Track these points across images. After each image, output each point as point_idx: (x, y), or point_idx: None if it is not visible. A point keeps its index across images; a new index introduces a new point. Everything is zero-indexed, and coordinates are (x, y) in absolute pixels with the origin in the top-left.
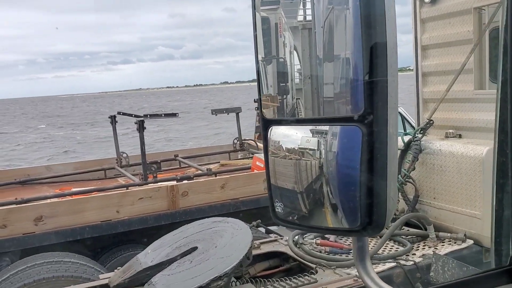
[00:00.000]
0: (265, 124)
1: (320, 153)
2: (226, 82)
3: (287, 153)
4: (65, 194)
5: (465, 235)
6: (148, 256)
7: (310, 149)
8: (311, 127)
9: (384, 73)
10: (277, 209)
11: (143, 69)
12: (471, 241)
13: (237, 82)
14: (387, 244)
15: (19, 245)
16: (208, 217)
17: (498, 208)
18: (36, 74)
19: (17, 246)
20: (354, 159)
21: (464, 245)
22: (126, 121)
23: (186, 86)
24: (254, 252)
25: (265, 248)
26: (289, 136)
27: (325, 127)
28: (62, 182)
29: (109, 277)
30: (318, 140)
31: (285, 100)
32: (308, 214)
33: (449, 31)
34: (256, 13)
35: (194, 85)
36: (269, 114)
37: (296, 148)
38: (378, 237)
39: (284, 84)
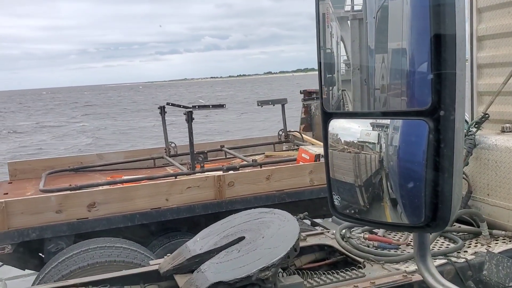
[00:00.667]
0: (326, 117)
1: (381, 147)
2: (269, 72)
3: (345, 146)
4: (116, 181)
5: None
6: (197, 244)
7: (370, 143)
8: (371, 120)
9: (453, 66)
10: (336, 202)
11: (189, 59)
12: None
13: (280, 72)
14: (438, 240)
15: (74, 230)
16: (253, 207)
17: None
18: (87, 63)
19: (71, 230)
20: (418, 154)
21: None
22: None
23: (229, 76)
24: (301, 244)
25: (312, 241)
26: (348, 129)
27: (387, 121)
28: (113, 170)
29: (159, 263)
30: (379, 134)
31: (331, 91)
32: (366, 208)
33: (508, 21)
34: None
35: (237, 76)
36: (329, 107)
37: (355, 142)
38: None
39: (330, 75)
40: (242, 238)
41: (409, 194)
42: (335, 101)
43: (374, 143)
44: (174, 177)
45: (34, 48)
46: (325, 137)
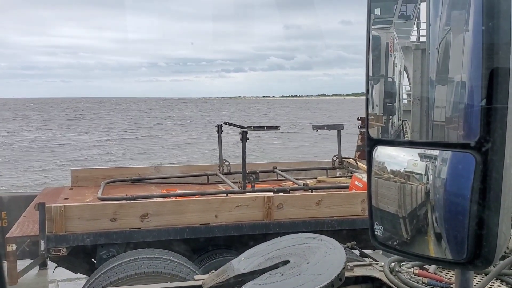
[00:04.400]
0: (371, 143)
1: (428, 179)
2: (323, 94)
3: (391, 175)
4: (170, 195)
5: None
6: (241, 263)
7: (417, 173)
8: (419, 150)
9: (505, 100)
10: (377, 232)
11: (253, 78)
12: None
13: (333, 95)
14: (493, 283)
15: (125, 239)
16: (301, 232)
17: None
18: (155, 76)
19: (123, 239)
20: (465, 188)
21: None
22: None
23: (282, 96)
24: (347, 274)
25: (358, 272)
26: (394, 157)
27: (435, 152)
28: (168, 184)
29: (203, 279)
30: (426, 165)
31: (390, 120)
32: (409, 240)
33: None
34: (371, 32)
35: (289, 96)
36: (374, 133)
37: (401, 171)
38: (483, 274)
39: (391, 104)
40: (286, 262)
41: (454, 229)
42: (395, 130)
43: (421, 174)
44: (225, 195)
45: (108, 59)
46: (369, 164)
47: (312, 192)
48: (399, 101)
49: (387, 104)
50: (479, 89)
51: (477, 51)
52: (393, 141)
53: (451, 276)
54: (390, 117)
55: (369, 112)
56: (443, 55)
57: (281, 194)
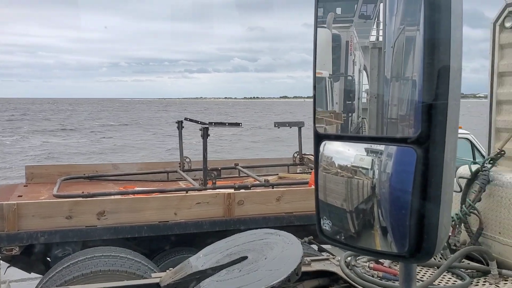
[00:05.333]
0: (318, 139)
1: (374, 173)
2: (285, 97)
3: (339, 170)
4: (128, 192)
5: None
6: (199, 260)
7: (363, 168)
8: (366, 145)
9: (445, 96)
10: (325, 226)
11: (216, 79)
12: None
13: (294, 97)
14: (444, 276)
15: (81, 237)
16: (261, 228)
17: None
18: (117, 76)
19: (79, 237)
20: (407, 182)
21: None
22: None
23: (244, 97)
24: (304, 268)
25: (316, 266)
26: (342, 152)
27: (381, 147)
28: (127, 181)
29: (161, 277)
30: (372, 160)
31: (350, 118)
32: (356, 234)
33: None
34: (326, 29)
35: (252, 97)
36: (322, 129)
37: (349, 166)
38: (436, 267)
39: (350, 102)
40: (244, 258)
41: (397, 222)
42: (354, 128)
43: (367, 169)
44: (184, 192)
45: (68, 59)
46: (316, 160)
47: (273, 188)
48: (358, 99)
49: (347, 102)
50: (420, 86)
51: (420, 49)
52: (338, 136)
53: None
54: (350, 114)
55: (329, 109)
56: (396, 54)
57: (242, 190)
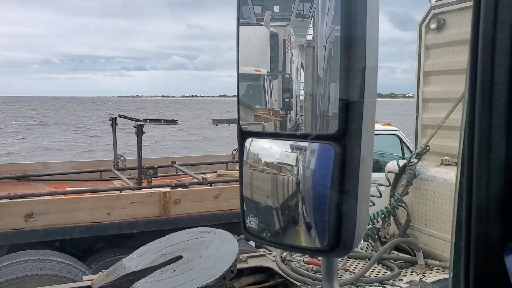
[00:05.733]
0: (242, 136)
1: (298, 170)
2: (225, 95)
3: (265, 167)
4: (59, 192)
5: None
6: (132, 261)
7: (288, 165)
8: (291, 142)
9: (361, 95)
10: (251, 224)
11: (154, 77)
12: None
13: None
14: (375, 267)
15: (7, 240)
16: (198, 226)
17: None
18: (49, 74)
19: (5, 241)
20: (327, 178)
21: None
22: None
23: (182, 96)
24: (241, 265)
25: (252, 263)
26: (268, 149)
27: (305, 143)
28: (58, 181)
29: (92, 279)
30: (297, 156)
31: (288, 115)
32: (281, 231)
33: (453, 59)
34: (264, 27)
35: (190, 96)
36: (246, 126)
37: (274, 163)
38: (367, 259)
39: (288, 99)
40: (179, 257)
41: (318, 218)
42: (293, 125)
43: (292, 165)
44: (118, 191)
45: None
46: (240, 157)
47: (211, 186)
48: (296, 96)
49: (285, 100)
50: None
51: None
52: (261, 133)
53: (339, 262)
54: (288, 112)
55: (267, 107)
56: (327, 53)
57: (179, 189)
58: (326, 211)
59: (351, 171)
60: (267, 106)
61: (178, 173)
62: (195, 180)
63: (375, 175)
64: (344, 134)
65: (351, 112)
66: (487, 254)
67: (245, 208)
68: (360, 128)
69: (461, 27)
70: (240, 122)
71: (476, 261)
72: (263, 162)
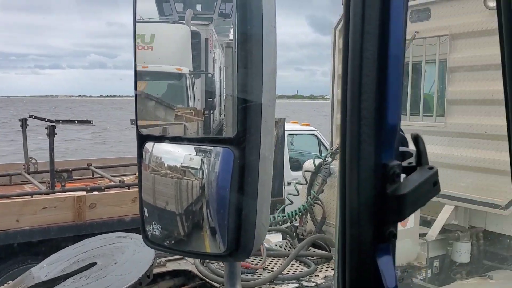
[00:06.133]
0: (140, 140)
1: (203, 173)
2: None
3: (168, 171)
4: None
5: None
6: (42, 270)
7: (193, 168)
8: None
9: (259, 96)
10: (154, 231)
11: (71, 76)
12: None
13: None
14: (293, 264)
15: None
16: (115, 231)
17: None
18: None
19: None
20: (228, 182)
21: None
22: None
23: (100, 96)
24: (159, 270)
25: (171, 266)
26: (172, 152)
27: (210, 146)
28: None
29: None
30: (202, 159)
31: (212, 115)
32: (186, 237)
33: None
34: (185, 26)
35: (107, 96)
36: (144, 129)
37: (178, 166)
38: (285, 257)
39: (211, 99)
40: (93, 264)
41: (220, 223)
42: (217, 125)
43: (197, 169)
44: (29, 196)
45: None
46: (139, 162)
47: (129, 189)
48: (220, 96)
49: (208, 99)
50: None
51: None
52: (160, 137)
53: (258, 262)
54: (212, 112)
55: (190, 106)
56: (233, 54)
57: (95, 192)
58: (227, 216)
59: (250, 175)
60: (190, 106)
61: (94, 176)
62: (112, 183)
63: (295, 174)
64: (243, 137)
65: (249, 115)
66: (361, 255)
67: (146, 215)
68: (259, 131)
69: None
70: (139, 125)
71: (351, 263)
72: (166, 166)
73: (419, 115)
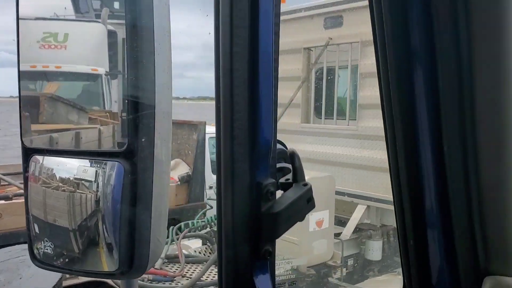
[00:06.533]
0: (26, 154)
1: (98, 186)
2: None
3: (60, 183)
4: None
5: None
6: None
7: (87, 180)
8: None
9: (151, 100)
10: (46, 249)
11: None
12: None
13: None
14: (212, 270)
15: None
16: (23, 243)
17: None
18: None
19: None
20: (119, 197)
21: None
22: None
23: (10, 96)
24: (72, 281)
25: (85, 278)
26: (64, 164)
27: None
28: None
29: None
30: (97, 171)
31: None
32: (80, 255)
33: (281, 67)
34: (101, 25)
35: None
36: (29, 142)
37: (71, 178)
38: (204, 262)
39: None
40: None
41: (114, 239)
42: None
43: (91, 181)
44: None
45: None
46: (24, 176)
47: None
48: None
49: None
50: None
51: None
52: (48, 150)
53: (176, 269)
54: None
55: (106, 109)
56: None
57: (2, 201)
58: (118, 232)
59: (143, 189)
60: (106, 108)
61: (1, 184)
62: (21, 191)
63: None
64: (134, 149)
65: (142, 127)
66: (237, 274)
67: (37, 232)
68: (152, 141)
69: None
70: (23, 138)
71: (227, 282)
72: (58, 178)
73: (333, 119)
